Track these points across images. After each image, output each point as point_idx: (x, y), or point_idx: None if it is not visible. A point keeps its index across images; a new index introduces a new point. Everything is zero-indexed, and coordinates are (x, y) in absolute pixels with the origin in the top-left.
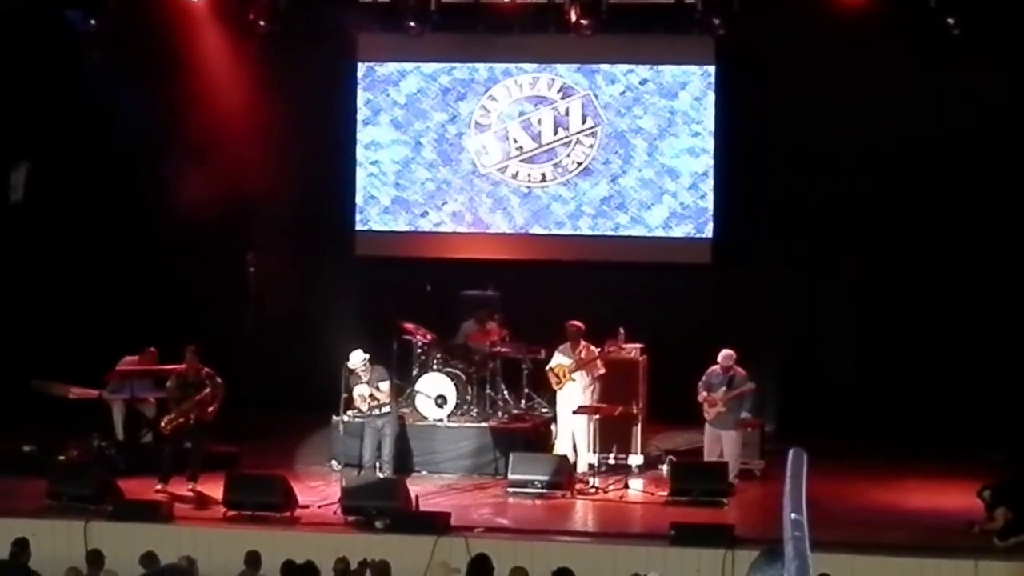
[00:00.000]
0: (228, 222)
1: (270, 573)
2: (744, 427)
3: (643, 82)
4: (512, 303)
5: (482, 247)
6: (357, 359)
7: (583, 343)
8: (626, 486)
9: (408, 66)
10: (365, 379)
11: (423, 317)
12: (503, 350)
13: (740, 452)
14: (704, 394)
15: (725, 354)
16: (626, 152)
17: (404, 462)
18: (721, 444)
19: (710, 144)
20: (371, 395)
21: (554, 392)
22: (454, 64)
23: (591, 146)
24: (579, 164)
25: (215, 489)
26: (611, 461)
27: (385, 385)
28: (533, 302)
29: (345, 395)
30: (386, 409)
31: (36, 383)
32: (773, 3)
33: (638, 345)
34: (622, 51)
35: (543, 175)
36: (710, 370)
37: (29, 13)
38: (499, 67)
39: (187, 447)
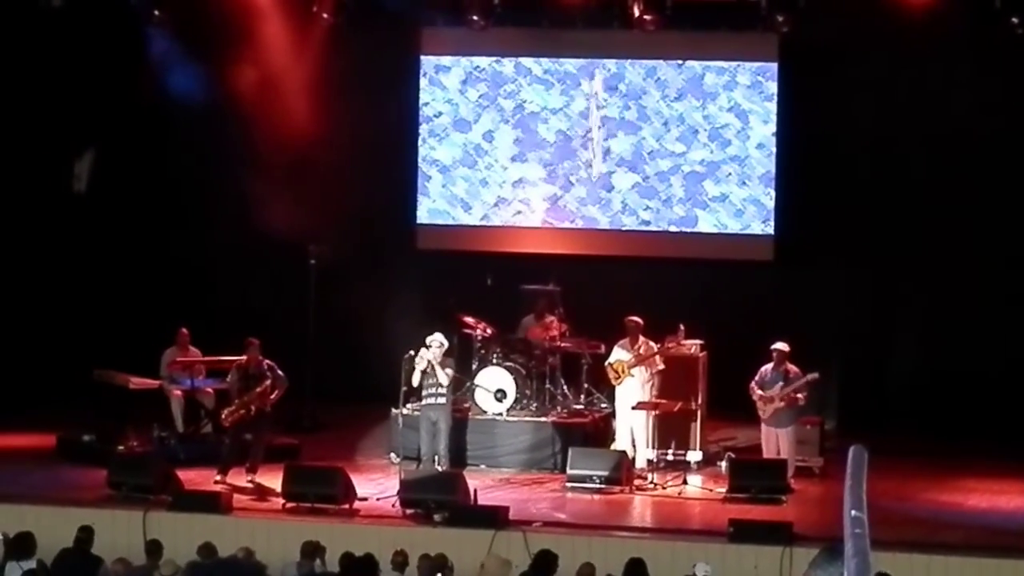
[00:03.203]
0: (290, 214)
1: (329, 565)
2: (804, 424)
3: (706, 78)
4: (572, 298)
5: (543, 241)
6: (438, 337)
7: (642, 339)
8: (684, 482)
9: (471, 60)
10: (438, 360)
11: (483, 311)
12: (563, 345)
13: (796, 450)
14: (759, 392)
15: (779, 345)
16: (688, 148)
17: (461, 456)
18: (778, 443)
19: (773, 141)
20: (433, 370)
21: (613, 387)
22: (517, 58)
23: (654, 142)
24: (640, 160)
25: (274, 481)
26: (670, 457)
27: (450, 372)
28: (593, 297)
29: (405, 388)
30: (441, 400)
31: (98, 373)
32: (837, 0)
33: (698, 341)
34: (685, 47)
35: (606, 171)
36: (762, 369)
37: (94, 1)
38: (562, 62)
39: (247, 438)
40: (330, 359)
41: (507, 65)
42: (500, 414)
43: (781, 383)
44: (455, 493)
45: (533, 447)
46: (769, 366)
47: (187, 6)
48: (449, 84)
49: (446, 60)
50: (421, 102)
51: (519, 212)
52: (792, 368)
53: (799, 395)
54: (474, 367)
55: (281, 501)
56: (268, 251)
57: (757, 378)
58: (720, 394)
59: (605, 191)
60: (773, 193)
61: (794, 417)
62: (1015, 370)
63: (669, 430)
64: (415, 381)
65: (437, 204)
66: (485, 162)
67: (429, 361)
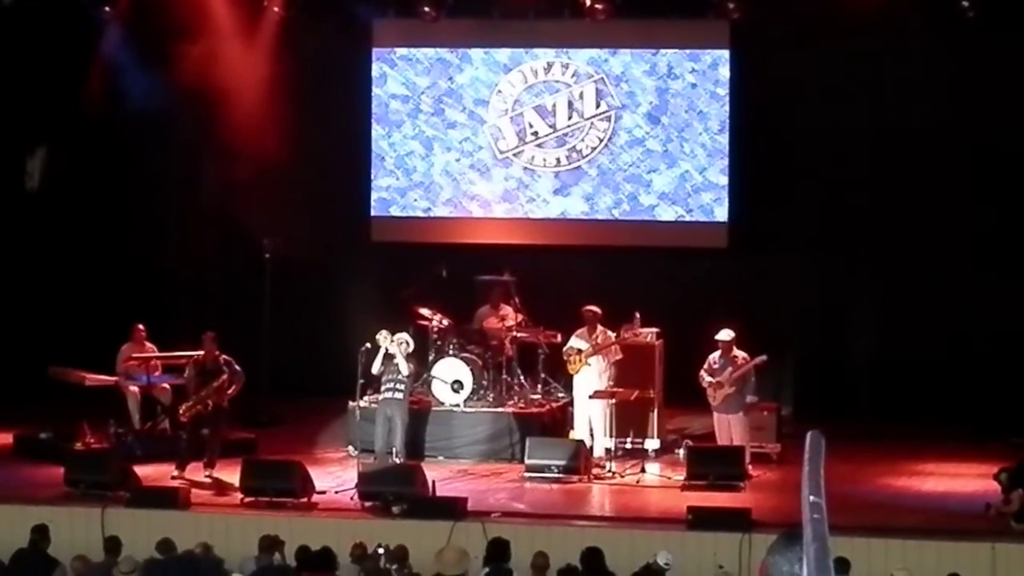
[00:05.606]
0: (244, 208)
1: (288, 559)
2: (760, 410)
3: (657, 67)
4: (528, 288)
5: (497, 232)
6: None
7: (600, 328)
8: (643, 470)
9: (423, 51)
10: (399, 350)
11: (439, 302)
12: (519, 335)
13: (749, 436)
14: (709, 379)
15: (724, 332)
16: (641, 137)
17: (419, 447)
18: (731, 429)
19: (725, 128)
20: (394, 355)
21: (570, 377)
22: (469, 49)
23: (605, 131)
24: (593, 149)
25: (232, 475)
26: (628, 445)
27: (408, 367)
28: (549, 287)
29: (362, 380)
30: (398, 396)
31: (53, 370)
32: None
33: (654, 329)
34: (636, 36)
35: (558, 160)
36: (710, 358)
37: None
38: (514, 52)
39: (204, 434)
40: (286, 353)
41: (459, 56)
42: (457, 405)
43: (730, 369)
44: (413, 485)
45: (491, 438)
46: (717, 354)
47: (138, 3)
48: (401, 76)
49: (398, 52)
50: (373, 94)
51: (473, 203)
52: (739, 353)
53: (750, 378)
54: (430, 358)
55: (239, 495)
56: (223, 245)
57: (706, 366)
58: (677, 382)
59: (559, 180)
60: (727, 180)
61: (743, 403)
62: (970, 354)
63: (627, 418)
64: (375, 368)
65: (391, 196)
66: (438, 153)
67: (387, 350)
